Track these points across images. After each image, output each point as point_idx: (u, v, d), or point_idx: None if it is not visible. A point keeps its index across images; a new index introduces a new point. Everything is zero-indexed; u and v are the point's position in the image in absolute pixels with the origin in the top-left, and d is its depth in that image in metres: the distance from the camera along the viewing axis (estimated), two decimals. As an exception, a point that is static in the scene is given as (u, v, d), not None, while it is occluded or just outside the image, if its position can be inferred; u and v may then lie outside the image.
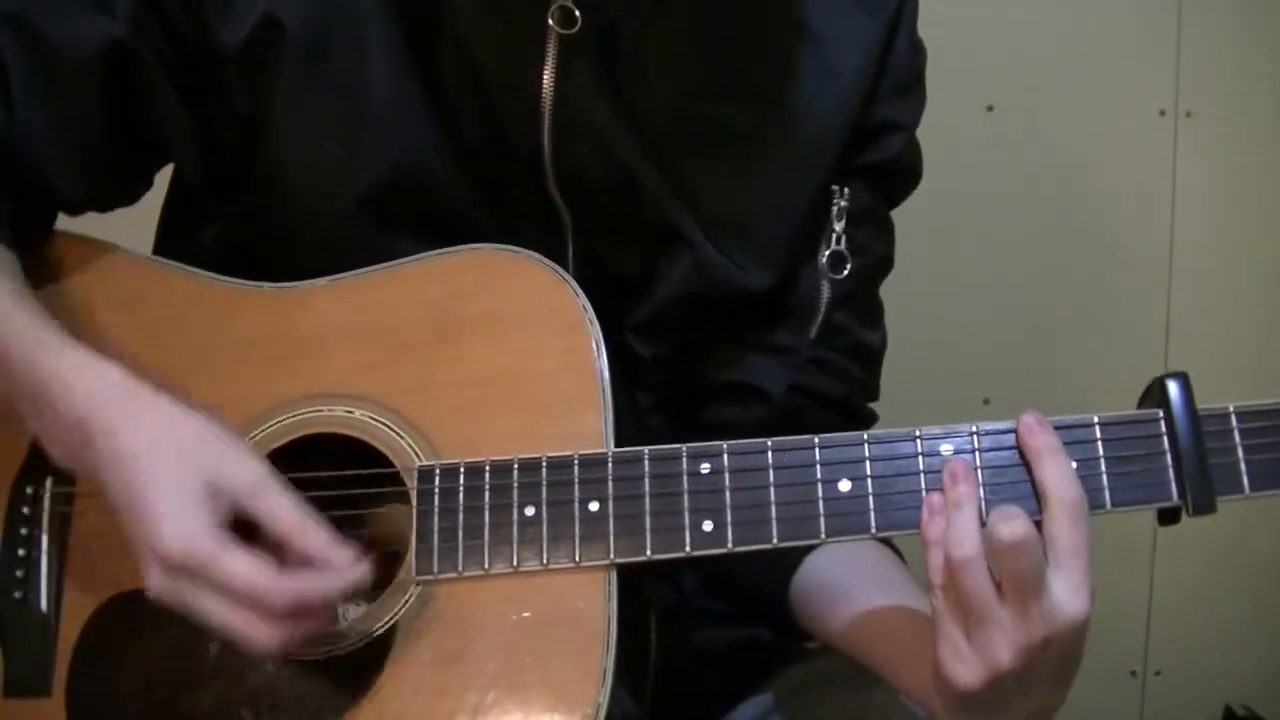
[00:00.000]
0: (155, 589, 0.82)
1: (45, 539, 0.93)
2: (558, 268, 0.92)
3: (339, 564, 0.83)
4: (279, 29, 0.92)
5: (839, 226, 1.04)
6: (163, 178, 1.06)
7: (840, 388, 1.08)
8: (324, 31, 0.93)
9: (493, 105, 0.95)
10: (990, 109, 1.57)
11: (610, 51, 0.95)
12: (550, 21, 0.93)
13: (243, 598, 0.80)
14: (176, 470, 0.83)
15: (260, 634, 0.81)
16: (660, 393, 1.04)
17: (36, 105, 0.94)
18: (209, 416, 0.86)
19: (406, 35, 0.94)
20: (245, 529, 0.83)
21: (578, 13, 0.93)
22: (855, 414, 1.10)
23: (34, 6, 0.93)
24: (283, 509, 0.83)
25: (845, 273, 1.05)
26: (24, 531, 0.94)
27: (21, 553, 0.93)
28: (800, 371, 1.06)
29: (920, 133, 1.08)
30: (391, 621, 0.86)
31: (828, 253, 1.04)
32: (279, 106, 0.95)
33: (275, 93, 0.94)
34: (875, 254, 1.09)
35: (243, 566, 0.80)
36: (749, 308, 1.04)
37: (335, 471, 0.92)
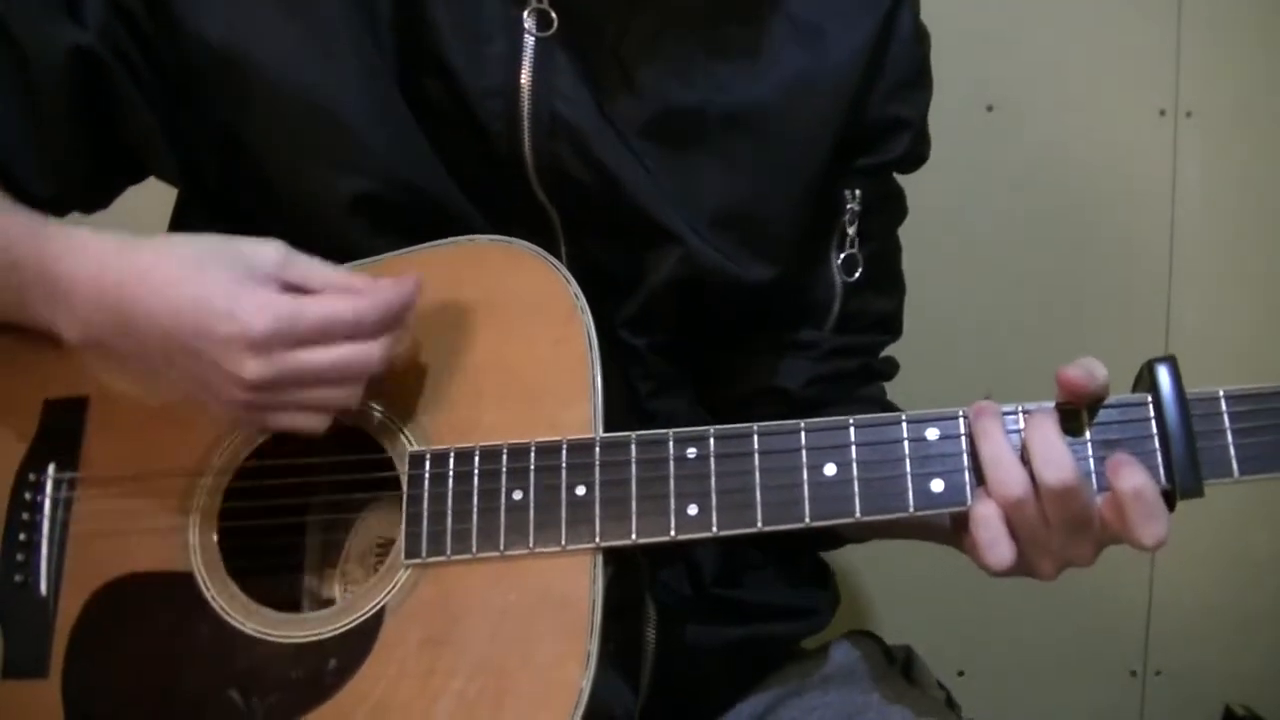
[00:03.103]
0: (254, 375, 0.83)
1: (46, 524, 0.94)
2: (551, 257, 0.93)
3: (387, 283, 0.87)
4: (246, 57, 0.93)
5: (851, 231, 1.05)
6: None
7: (856, 361, 1.10)
8: (295, 55, 0.94)
9: (473, 110, 0.96)
10: (990, 109, 1.57)
11: (589, 51, 0.96)
12: (526, 25, 0.94)
13: (341, 329, 0.84)
14: (218, 272, 0.84)
15: (369, 353, 0.85)
16: (660, 379, 1.04)
17: (9, 108, 0.95)
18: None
19: (382, 47, 0.95)
20: None
21: (553, 14, 0.94)
22: (871, 374, 1.12)
23: (9, 12, 0.94)
24: (319, 266, 0.87)
25: (858, 274, 1.06)
26: (25, 517, 0.95)
27: (23, 537, 0.94)
28: (821, 363, 1.07)
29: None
30: (380, 605, 0.87)
31: (842, 256, 1.05)
32: (252, 126, 0.95)
33: (248, 113, 0.95)
34: (888, 230, 1.11)
35: (328, 302, 0.84)
36: (762, 304, 1.04)
37: (331, 458, 0.93)
